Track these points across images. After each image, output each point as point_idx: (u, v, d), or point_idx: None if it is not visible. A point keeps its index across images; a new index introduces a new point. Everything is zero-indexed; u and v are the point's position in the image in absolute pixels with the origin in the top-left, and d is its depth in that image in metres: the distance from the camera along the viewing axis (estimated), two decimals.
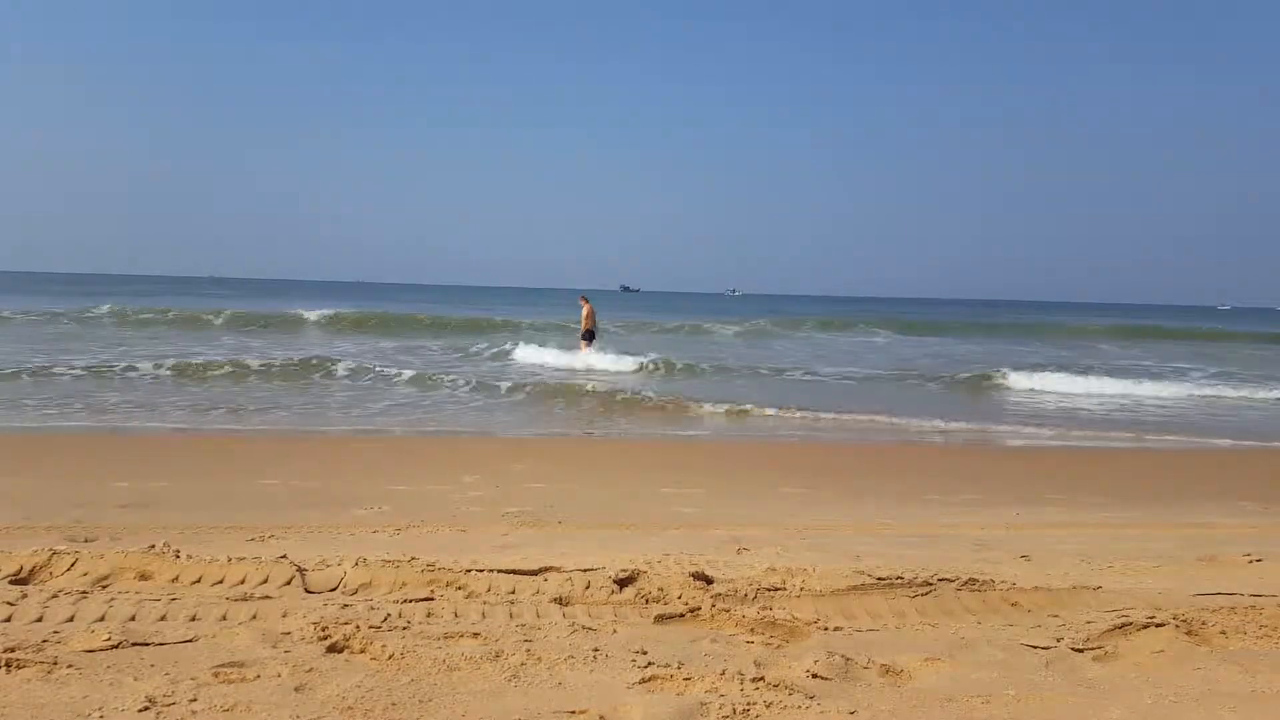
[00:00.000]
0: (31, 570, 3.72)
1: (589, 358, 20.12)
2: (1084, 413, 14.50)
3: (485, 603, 3.57)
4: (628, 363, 19.74)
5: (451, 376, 16.18)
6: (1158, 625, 3.40)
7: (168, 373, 15.55)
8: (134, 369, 15.65)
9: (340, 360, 17.46)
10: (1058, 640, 3.30)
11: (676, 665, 2.94)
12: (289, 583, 3.72)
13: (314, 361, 17.32)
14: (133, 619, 3.26)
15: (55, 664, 2.79)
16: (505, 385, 15.31)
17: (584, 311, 21.43)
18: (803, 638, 3.32)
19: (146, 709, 2.52)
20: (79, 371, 15.09)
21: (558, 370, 19.00)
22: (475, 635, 3.18)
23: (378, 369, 16.92)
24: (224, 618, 3.32)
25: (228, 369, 16.16)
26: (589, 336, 21.16)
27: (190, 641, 3.06)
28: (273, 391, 14.24)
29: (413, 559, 4.07)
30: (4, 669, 2.74)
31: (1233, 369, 23.62)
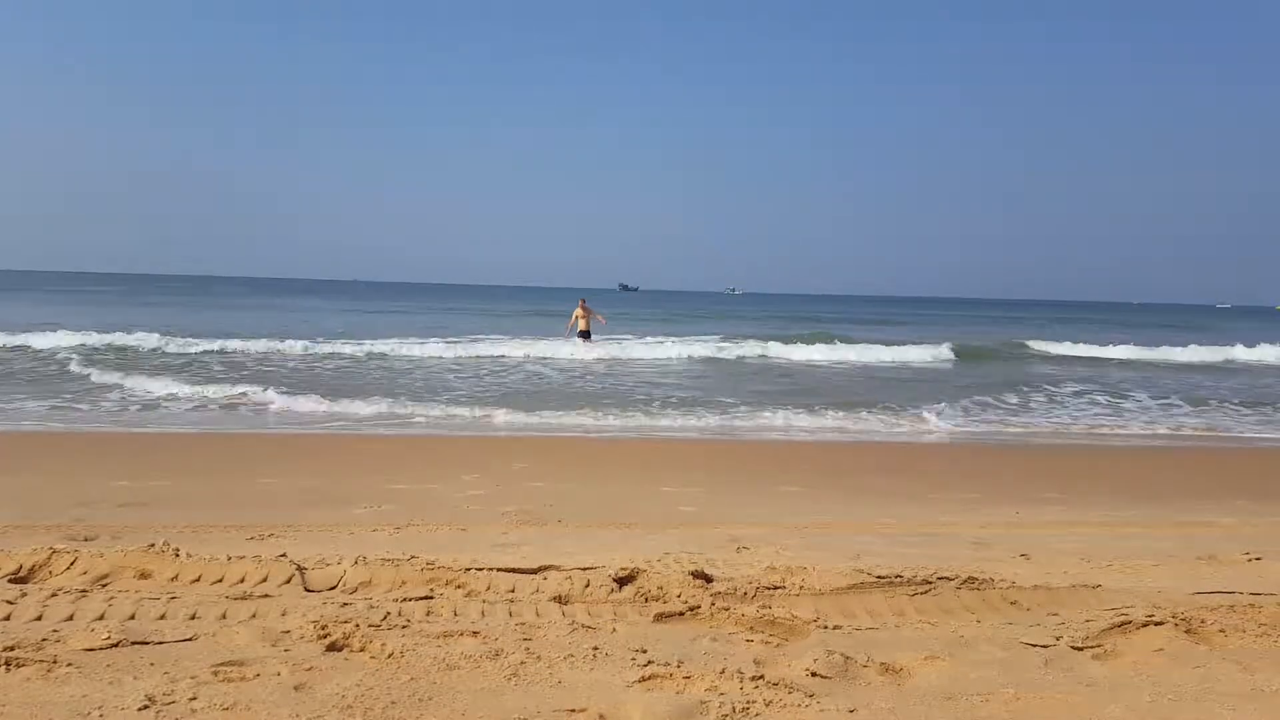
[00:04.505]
0: (31, 569, 3.72)
1: (580, 352, 21.59)
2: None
3: (485, 601, 3.57)
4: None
5: None
6: (1157, 624, 3.40)
7: None
8: None
9: None
10: (1057, 639, 3.30)
11: (676, 664, 2.94)
12: (288, 581, 3.72)
13: None
14: (132, 617, 3.26)
15: (55, 663, 2.79)
16: None
17: (575, 312, 23.37)
18: (802, 636, 3.32)
19: (146, 707, 2.52)
20: None
21: None
22: (475, 634, 3.18)
23: None
24: (223, 616, 3.32)
25: None
26: (584, 335, 22.91)
27: (190, 640, 3.05)
28: None
29: (412, 557, 4.07)
30: (4, 668, 2.74)
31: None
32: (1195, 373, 22.37)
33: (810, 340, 26.55)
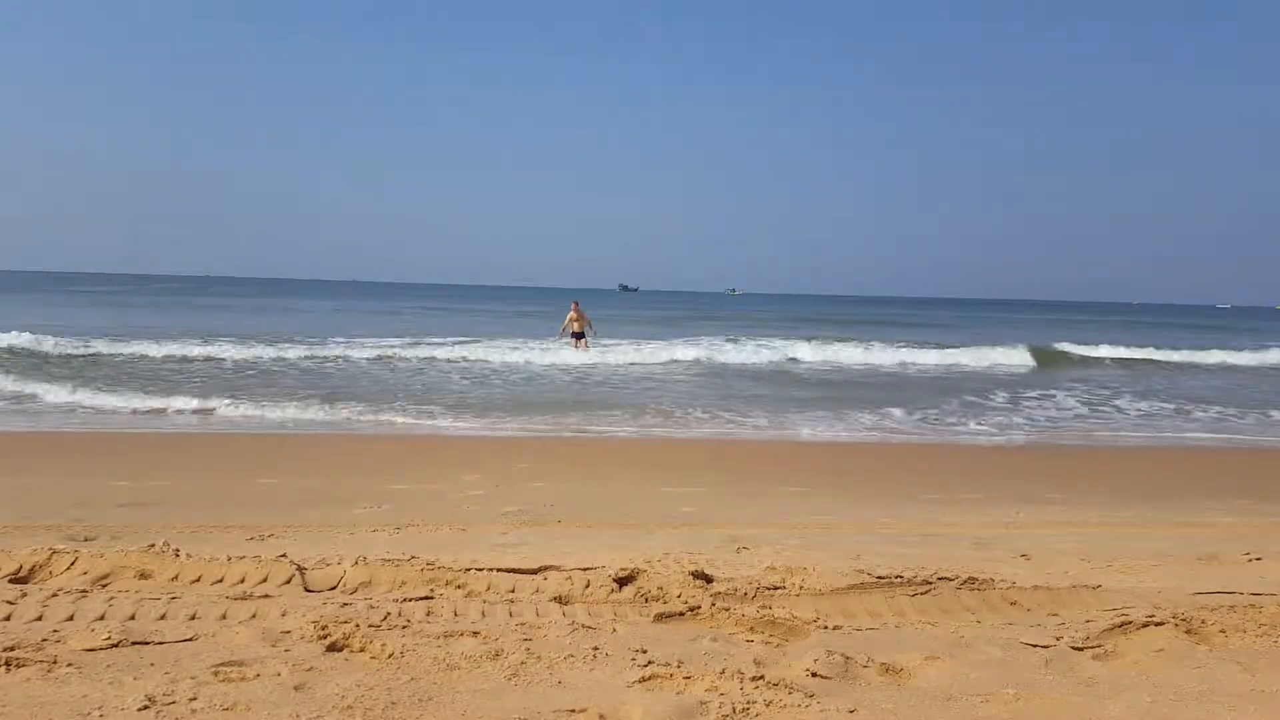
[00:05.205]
0: (31, 569, 3.72)
1: (578, 355, 21.79)
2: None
3: (485, 601, 3.57)
4: None
5: None
6: (1157, 624, 3.40)
7: None
8: None
9: None
10: (1057, 639, 3.30)
11: (676, 664, 2.94)
12: (288, 581, 3.72)
13: None
14: (132, 618, 3.26)
15: (55, 663, 2.79)
16: None
17: (569, 315, 23.79)
18: (802, 636, 3.32)
19: (146, 708, 2.52)
20: None
21: None
22: (475, 634, 3.18)
23: None
24: (224, 616, 3.32)
25: None
26: (578, 336, 23.47)
27: (190, 640, 3.05)
28: None
29: (412, 558, 4.08)
30: (4, 668, 2.74)
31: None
32: (1208, 374, 22.44)
33: (826, 341, 26.58)
